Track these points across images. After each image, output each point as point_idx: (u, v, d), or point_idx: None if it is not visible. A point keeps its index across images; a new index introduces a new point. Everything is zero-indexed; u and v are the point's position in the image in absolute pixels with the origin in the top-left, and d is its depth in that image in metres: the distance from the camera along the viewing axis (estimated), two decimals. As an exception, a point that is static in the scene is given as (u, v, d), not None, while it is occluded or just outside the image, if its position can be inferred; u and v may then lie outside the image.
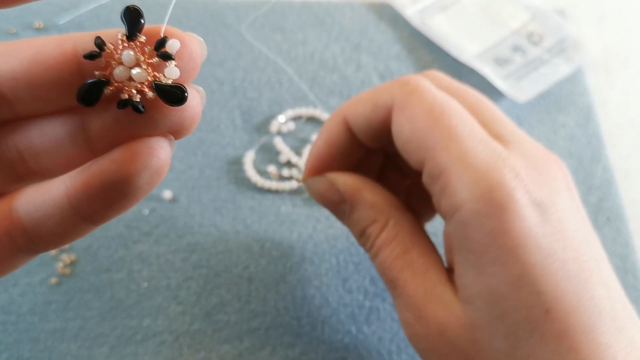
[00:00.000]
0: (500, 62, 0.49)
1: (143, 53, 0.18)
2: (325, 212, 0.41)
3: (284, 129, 0.44)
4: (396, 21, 0.51)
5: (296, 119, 0.45)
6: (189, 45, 0.19)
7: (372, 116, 0.26)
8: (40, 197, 0.19)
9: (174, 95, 0.18)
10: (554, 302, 0.21)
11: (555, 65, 0.49)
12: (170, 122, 0.19)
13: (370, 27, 0.51)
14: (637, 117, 0.50)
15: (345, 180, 0.26)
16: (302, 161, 0.43)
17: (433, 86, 0.25)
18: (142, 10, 0.18)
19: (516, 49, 0.50)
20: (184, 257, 0.38)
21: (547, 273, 0.21)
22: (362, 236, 0.27)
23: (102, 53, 0.18)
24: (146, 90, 0.18)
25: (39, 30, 0.47)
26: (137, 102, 0.18)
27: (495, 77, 0.48)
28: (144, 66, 0.18)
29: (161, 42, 0.18)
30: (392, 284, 0.25)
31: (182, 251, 0.39)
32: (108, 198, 0.19)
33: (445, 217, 0.23)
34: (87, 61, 0.18)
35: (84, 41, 0.18)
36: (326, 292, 0.38)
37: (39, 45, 0.18)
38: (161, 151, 0.19)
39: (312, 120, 0.45)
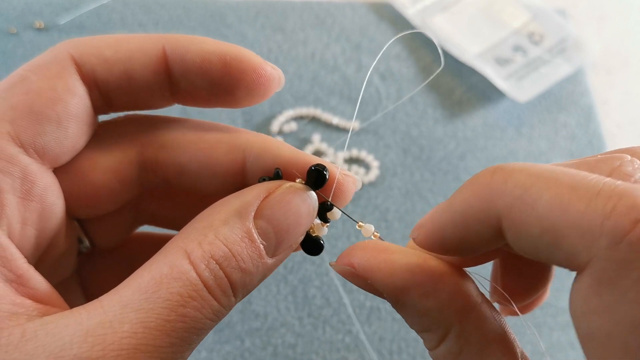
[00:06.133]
0: (501, 61, 0.49)
1: None
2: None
3: (286, 128, 0.44)
4: (396, 21, 0.51)
5: (297, 119, 0.45)
6: (347, 187, 0.21)
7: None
8: None
9: (313, 251, 0.21)
10: None
11: (556, 65, 0.49)
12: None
13: (370, 27, 0.51)
14: (638, 117, 0.50)
15: (384, 279, 0.18)
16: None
17: None
18: (326, 172, 0.20)
19: (517, 48, 0.50)
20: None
21: None
22: (419, 333, 0.20)
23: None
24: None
25: (39, 30, 0.47)
26: None
27: (496, 77, 0.48)
28: None
29: (329, 207, 0.20)
30: None
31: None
32: None
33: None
34: (252, 167, 0.21)
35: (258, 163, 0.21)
36: (327, 292, 0.38)
37: (216, 153, 0.21)
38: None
39: (314, 120, 0.45)
